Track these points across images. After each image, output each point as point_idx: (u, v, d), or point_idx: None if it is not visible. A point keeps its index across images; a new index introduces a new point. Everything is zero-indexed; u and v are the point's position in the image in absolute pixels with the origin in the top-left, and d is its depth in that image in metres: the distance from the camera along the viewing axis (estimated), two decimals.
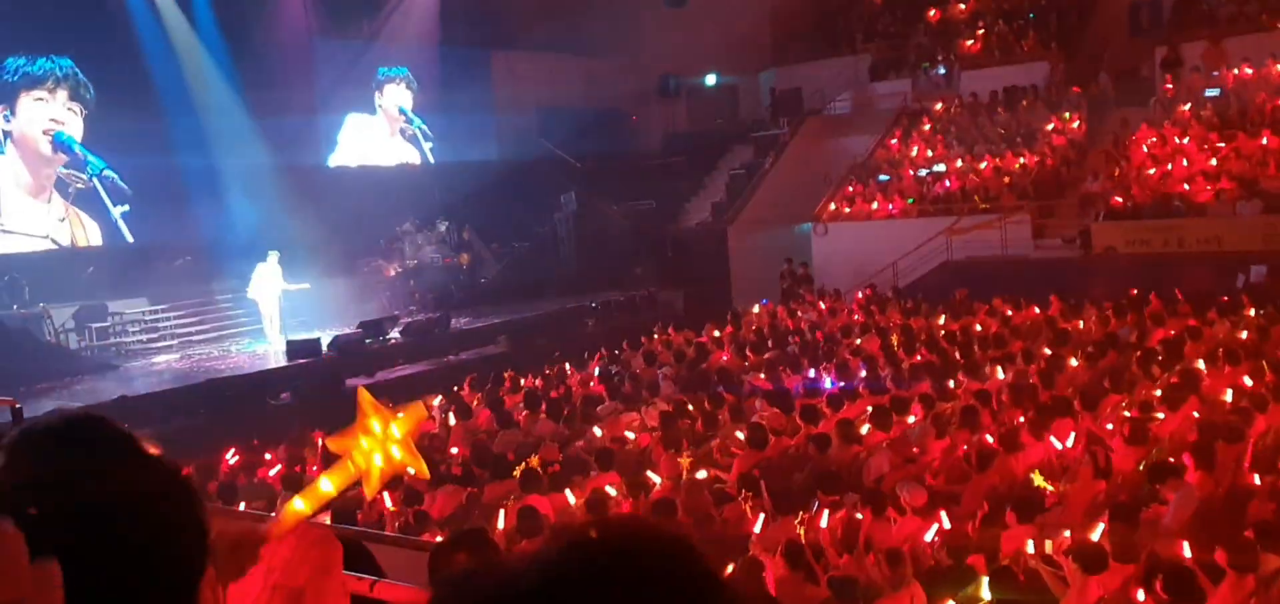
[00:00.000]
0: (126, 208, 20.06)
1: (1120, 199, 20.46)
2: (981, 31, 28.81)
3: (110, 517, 1.18)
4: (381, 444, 2.04)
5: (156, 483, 1.25)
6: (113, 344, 18.59)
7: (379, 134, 25.59)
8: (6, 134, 18.97)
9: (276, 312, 18.76)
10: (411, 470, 2.10)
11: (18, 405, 12.77)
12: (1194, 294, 15.80)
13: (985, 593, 6.45)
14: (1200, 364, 11.81)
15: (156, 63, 20.35)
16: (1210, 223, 19.22)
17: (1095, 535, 6.98)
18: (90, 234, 20.01)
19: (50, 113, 19.32)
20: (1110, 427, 9.64)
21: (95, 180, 19.75)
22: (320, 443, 11.72)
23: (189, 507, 1.27)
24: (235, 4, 21.31)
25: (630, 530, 1.04)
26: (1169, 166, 21.15)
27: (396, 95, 25.84)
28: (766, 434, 10.05)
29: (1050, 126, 24.44)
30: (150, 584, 1.18)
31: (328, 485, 1.98)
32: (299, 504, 1.94)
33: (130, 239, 20.17)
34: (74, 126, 19.61)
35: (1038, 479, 8.52)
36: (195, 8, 21.15)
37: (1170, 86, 24.04)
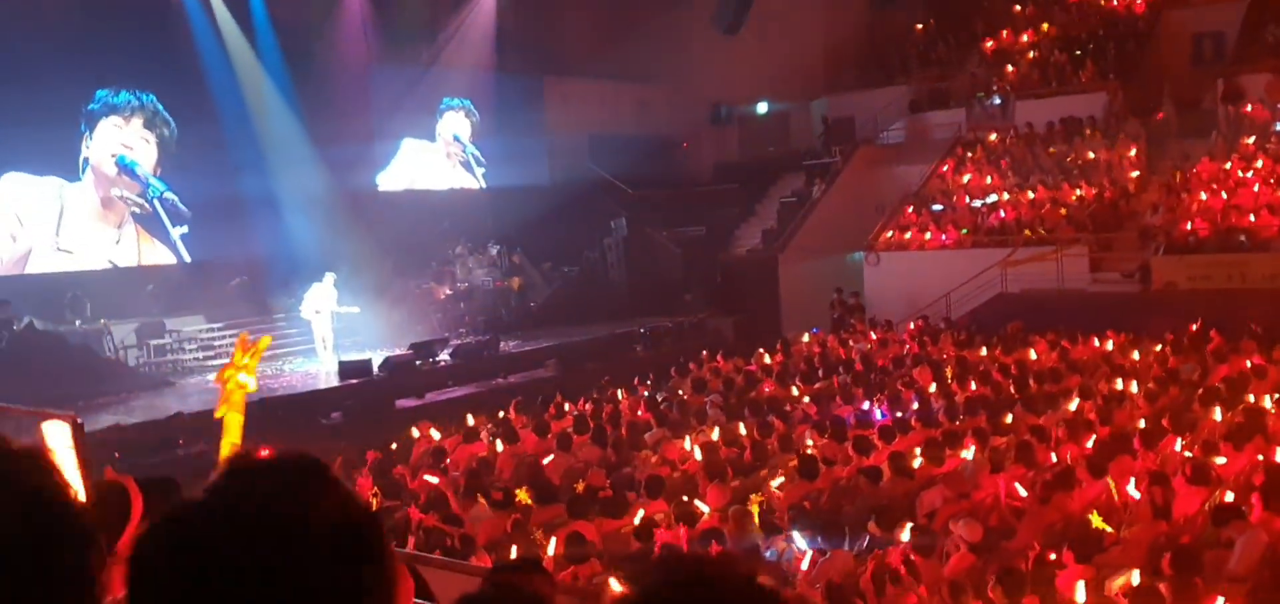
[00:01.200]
0: (185, 229, 20.40)
1: (1188, 228, 20.01)
2: (1032, 57, 28.50)
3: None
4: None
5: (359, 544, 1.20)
6: (170, 361, 18.87)
7: (434, 159, 25.82)
8: (86, 160, 19.47)
9: (330, 332, 18.95)
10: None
11: (79, 421, 13.01)
12: (1258, 331, 15.45)
13: None
14: (1265, 402, 11.51)
15: (220, 86, 20.73)
16: (1274, 258, 18.77)
17: (1152, 577, 6.80)
18: (158, 254, 20.38)
19: (121, 138, 19.77)
20: (1176, 461, 9.40)
21: (155, 202, 20.10)
22: (370, 463, 11.80)
23: (383, 571, 1.22)
24: (299, 32, 21.65)
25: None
26: (1228, 197, 20.72)
27: (454, 123, 26.06)
28: (817, 465, 9.94)
29: (1108, 158, 24.08)
30: None
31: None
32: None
33: (188, 259, 20.51)
34: (144, 154, 20.02)
35: (1096, 520, 8.32)
36: (259, 34, 21.52)
37: (1246, 110, 23.50)
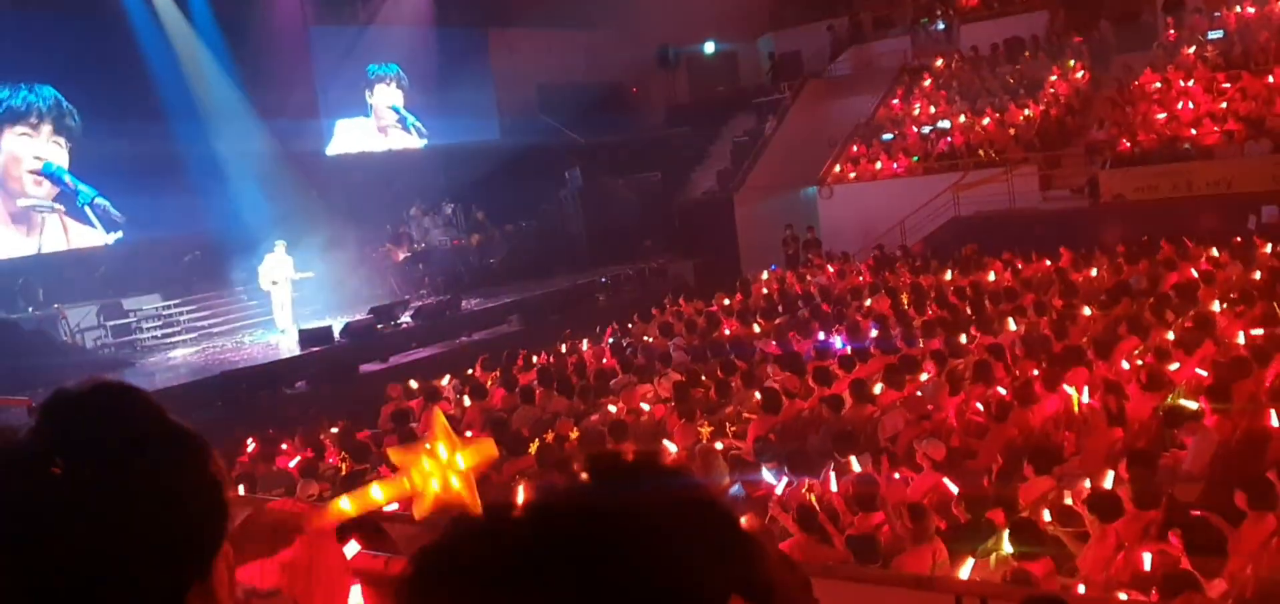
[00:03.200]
0: (120, 235, 19.87)
1: (1128, 144, 20.33)
2: None
3: (134, 480, 1.19)
4: (442, 470, 2.01)
5: (180, 452, 1.26)
6: (129, 341, 18.65)
7: (371, 134, 25.25)
8: None
9: (288, 301, 18.80)
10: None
11: (33, 405, 12.82)
12: (1205, 237, 15.76)
13: (1006, 547, 6.46)
14: (1214, 307, 11.79)
15: (156, 59, 20.23)
16: (1219, 165, 19.12)
17: (1110, 484, 7.00)
18: (88, 239, 19.81)
19: (35, 149, 18.97)
20: (1126, 370, 9.63)
21: (87, 208, 19.51)
22: (338, 431, 11.83)
23: (210, 478, 1.29)
24: None
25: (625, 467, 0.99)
26: (1180, 106, 21.01)
27: (387, 94, 25.40)
28: (780, 398, 10.07)
29: (1053, 76, 24.32)
30: (167, 549, 1.19)
31: (378, 493, 1.98)
32: (345, 504, 1.95)
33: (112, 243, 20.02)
34: (60, 157, 19.26)
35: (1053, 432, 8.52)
36: (191, 3, 21.05)
37: (1172, 30, 23.89)
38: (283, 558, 1.99)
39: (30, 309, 17.71)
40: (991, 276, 16.39)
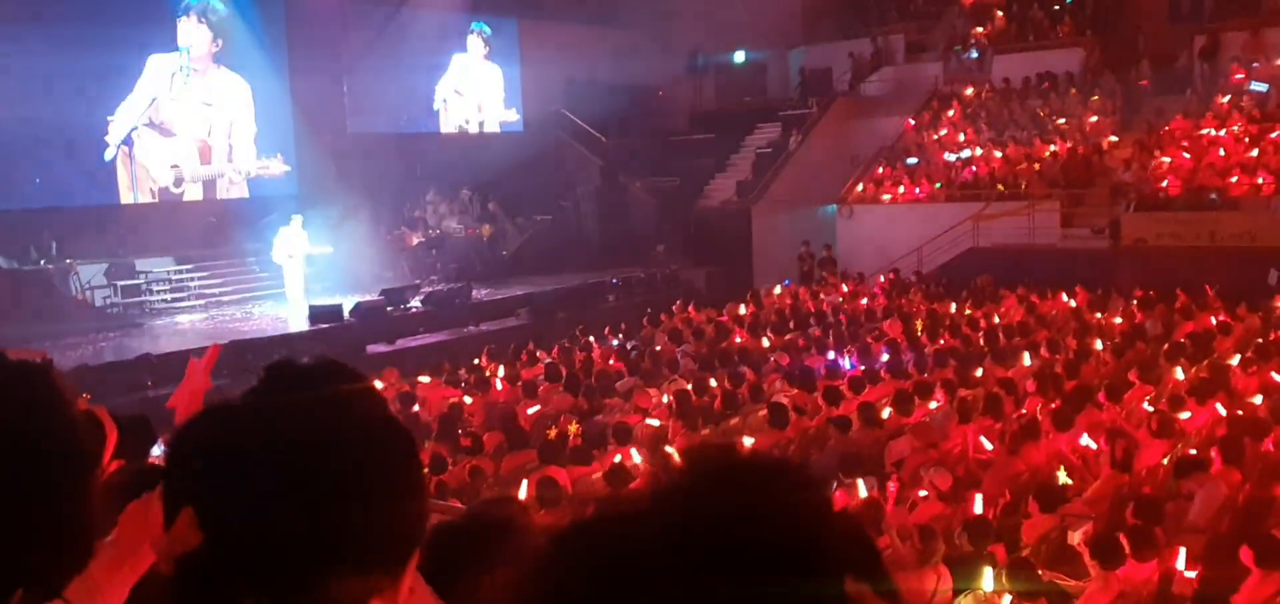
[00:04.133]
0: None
1: (1165, 184, 20.10)
2: (1001, 14, 28.38)
3: (342, 469, 1.17)
4: None
5: (393, 451, 1.24)
6: (138, 302, 18.65)
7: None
8: None
9: (300, 276, 18.78)
10: None
11: (49, 358, 12.83)
12: (1224, 289, 15.60)
13: (986, 585, 6.37)
14: (1232, 360, 11.67)
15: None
16: (1243, 217, 18.93)
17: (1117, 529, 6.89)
18: None
19: None
20: (1144, 412, 9.53)
21: None
22: None
23: (418, 483, 1.28)
24: None
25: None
26: (1222, 152, 20.71)
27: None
28: (788, 414, 9.99)
29: (1083, 114, 24.14)
30: (366, 545, 1.17)
31: None
32: None
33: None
34: None
35: (1062, 475, 8.41)
36: None
37: (1203, 65, 23.64)
38: None
39: (43, 262, 17.71)
40: (1006, 316, 16.26)
